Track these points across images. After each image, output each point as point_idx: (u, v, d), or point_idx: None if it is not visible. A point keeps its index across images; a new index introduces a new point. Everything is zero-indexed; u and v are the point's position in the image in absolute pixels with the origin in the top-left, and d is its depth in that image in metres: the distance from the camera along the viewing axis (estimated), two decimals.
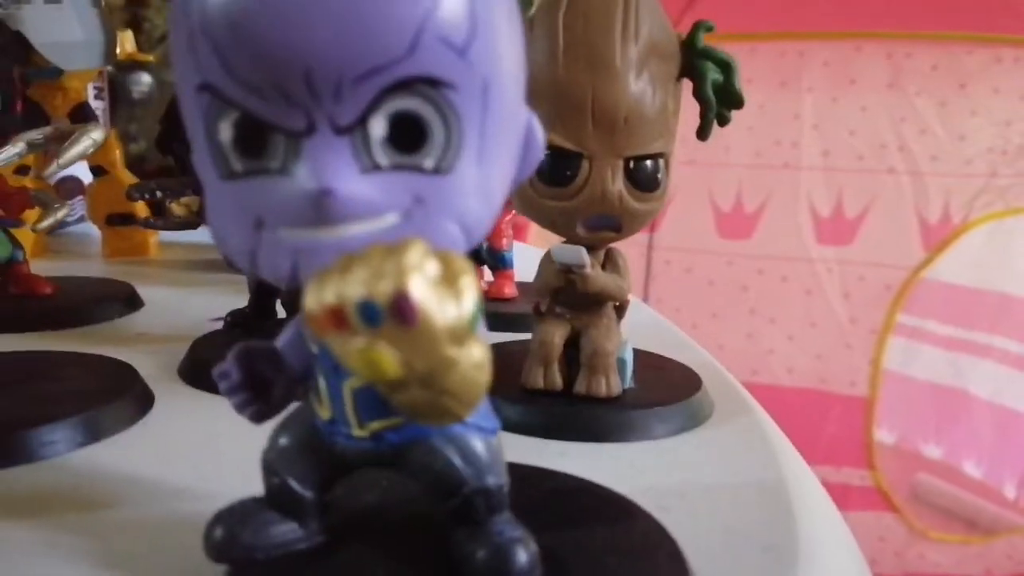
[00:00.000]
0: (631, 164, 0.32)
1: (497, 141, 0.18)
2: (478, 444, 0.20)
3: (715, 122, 0.34)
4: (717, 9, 1.55)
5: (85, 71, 0.64)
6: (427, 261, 0.15)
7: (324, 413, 0.20)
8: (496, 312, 0.46)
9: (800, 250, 1.48)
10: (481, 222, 0.18)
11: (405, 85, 0.16)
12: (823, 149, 1.46)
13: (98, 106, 0.80)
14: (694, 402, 0.34)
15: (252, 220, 0.17)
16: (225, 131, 0.17)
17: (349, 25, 0.15)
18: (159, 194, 0.41)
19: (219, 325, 0.45)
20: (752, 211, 1.51)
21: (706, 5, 1.57)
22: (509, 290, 0.52)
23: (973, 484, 1.53)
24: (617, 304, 0.35)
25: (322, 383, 0.20)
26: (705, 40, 0.34)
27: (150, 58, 0.73)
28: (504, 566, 0.19)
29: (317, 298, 0.15)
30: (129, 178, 0.67)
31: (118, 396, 0.32)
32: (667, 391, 0.35)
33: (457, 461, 0.20)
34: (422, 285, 0.15)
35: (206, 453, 0.30)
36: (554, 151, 0.31)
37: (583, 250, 0.32)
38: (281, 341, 0.22)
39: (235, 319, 0.42)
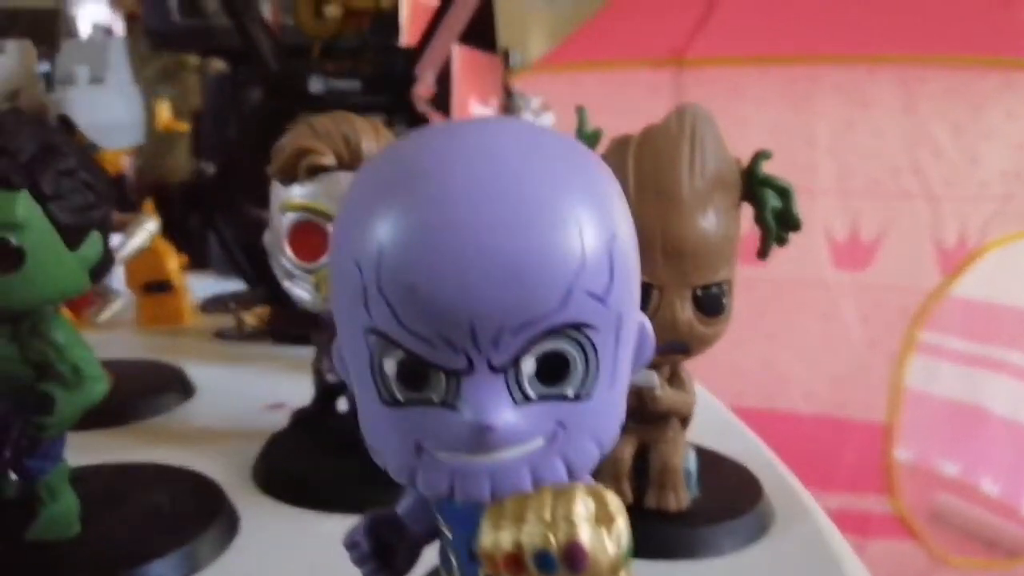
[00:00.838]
0: (699, 292, 0.34)
1: (625, 362, 0.21)
2: None
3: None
4: (728, 32, 1.58)
5: None
6: (590, 506, 0.18)
7: None
8: None
9: (817, 274, 1.51)
10: (613, 434, 0.21)
11: (554, 331, 0.19)
12: (838, 173, 1.49)
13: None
14: (758, 512, 0.37)
15: (413, 444, 0.20)
16: (390, 366, 0.19)
17: (510, 288, 0.18)
18: (233, 306, 0.43)
19: (277, 413, 0.47)
20: None
21: (717, 29, 1.60)
22: None
23: (990, 502, 1.56)
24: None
25: (455, 565, 0.23)
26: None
27: (185, 127, 0.75)
28: None
29: (494, 542, 0.18)
30: (165, 248, 0.69)
31: (209, 521, 0.35)
32: (731, 499, 0.37)
33: None
34: (590, 533, 0.17)
35: None
36: None
37: (654, 374, 0.35)
38: (402, 509, 0.25)
39: (300, 417, 0.45)
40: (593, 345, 0.19)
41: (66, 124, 0.60)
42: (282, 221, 0.39)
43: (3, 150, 0.29)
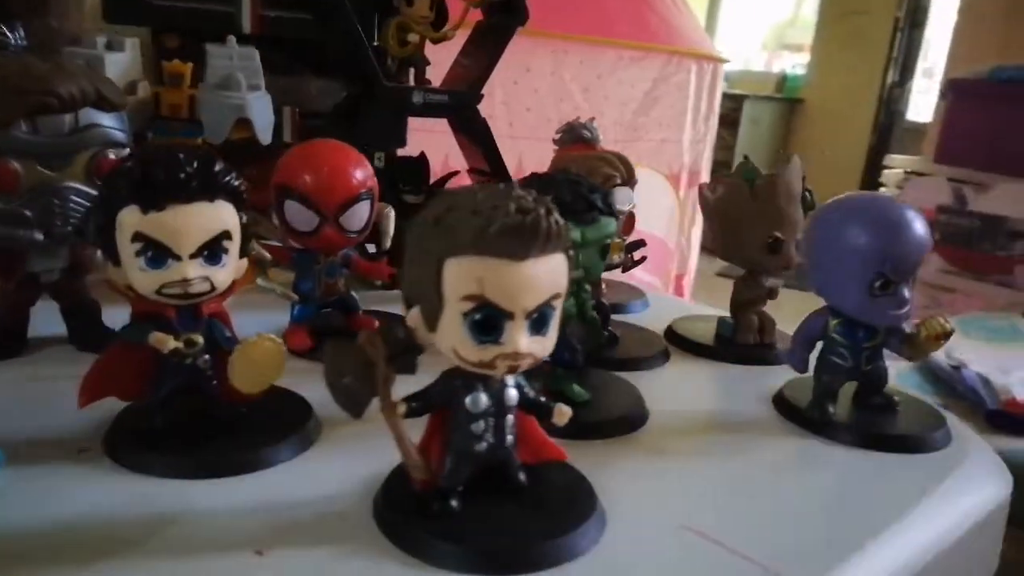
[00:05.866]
0: None
1: None
2: None
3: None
4: None
5: None
6: None
7: None
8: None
9: None
10: None
11: None
12: (509, 122, 1.93)
13: None
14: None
15: (884, 310, 0.57)
16: (878, 284, 0.56)
17: (920, 255, 0.56)
18: None
19: None
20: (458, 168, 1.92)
21: None
22: None
23: None
24: None
25: (848, 354, 0.60)
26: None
27: None
28: None
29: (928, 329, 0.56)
30: None
31: None
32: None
33: None
34: None
35: None
36: None
37: None
38: (805, 337, 0.61)
39: None
40: None
41: (245, 125, 0.73)
42: None
43: (567, 205, 0.55)
